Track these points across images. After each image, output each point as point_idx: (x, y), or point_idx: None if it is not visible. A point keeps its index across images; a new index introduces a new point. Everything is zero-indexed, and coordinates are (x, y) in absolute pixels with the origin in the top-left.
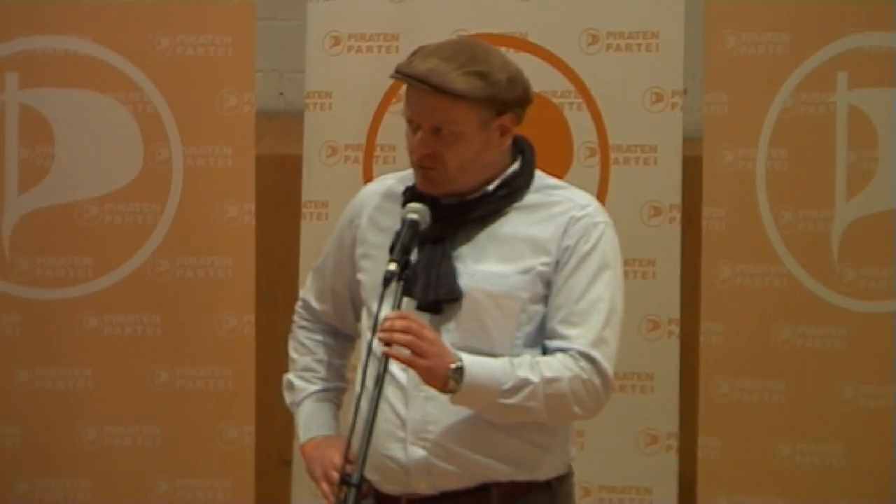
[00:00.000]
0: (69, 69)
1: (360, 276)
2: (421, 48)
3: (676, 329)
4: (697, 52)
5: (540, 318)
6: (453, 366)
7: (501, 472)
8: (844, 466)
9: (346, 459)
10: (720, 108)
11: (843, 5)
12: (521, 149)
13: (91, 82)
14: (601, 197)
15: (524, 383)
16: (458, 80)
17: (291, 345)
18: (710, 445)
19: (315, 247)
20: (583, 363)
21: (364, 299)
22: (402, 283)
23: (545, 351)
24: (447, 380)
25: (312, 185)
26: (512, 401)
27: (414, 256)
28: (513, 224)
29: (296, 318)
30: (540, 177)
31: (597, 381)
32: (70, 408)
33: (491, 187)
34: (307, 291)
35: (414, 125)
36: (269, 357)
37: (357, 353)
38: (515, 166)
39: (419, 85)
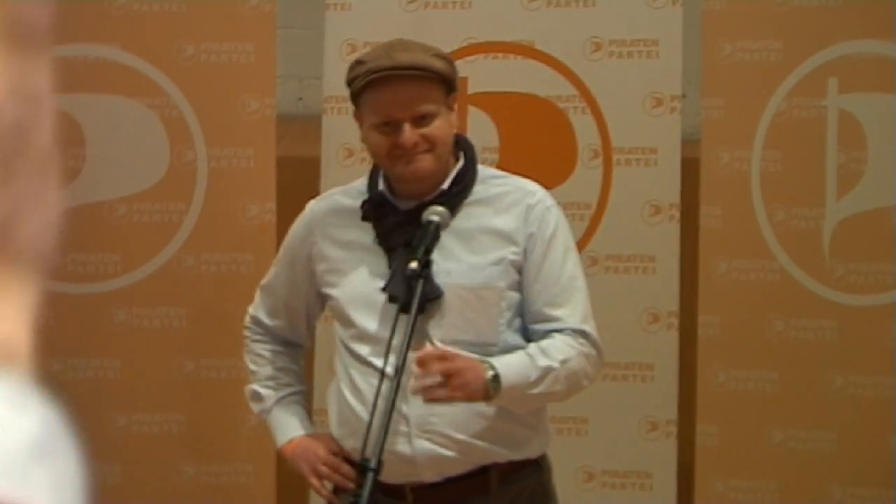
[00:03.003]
0: (99, 75)
1: (330, 290)
2: (362, 59)
3: (675, 321)
4: (695, 58)
5: (516, 303)
6: (489, 374)
7: (501, 453)
8: (835, 452)
9: (334, 452)
10: (717, 112)
11: (834, 14)
12: (463, 146)
13: (120, 88)
14: (604, 196)
15: (547, 371)
16: (434, 61)
17: (249, 358)
18: (708, 432)
19: None
20: (580, 339)
21: (341, 311)
22: (422, 280)
23: (534, 334)
24: (487, 391)
25: (330, 185)
26: (539, 389)
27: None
28: (471, 218)
29: (247, 333)
30: (480, 169)
31: (594, 352)
32: (100, 397)
33: (445, 185)
34: (257, 308)
35: (392, 125)
36: None
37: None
38: (461, 163)
39: (410, 72)
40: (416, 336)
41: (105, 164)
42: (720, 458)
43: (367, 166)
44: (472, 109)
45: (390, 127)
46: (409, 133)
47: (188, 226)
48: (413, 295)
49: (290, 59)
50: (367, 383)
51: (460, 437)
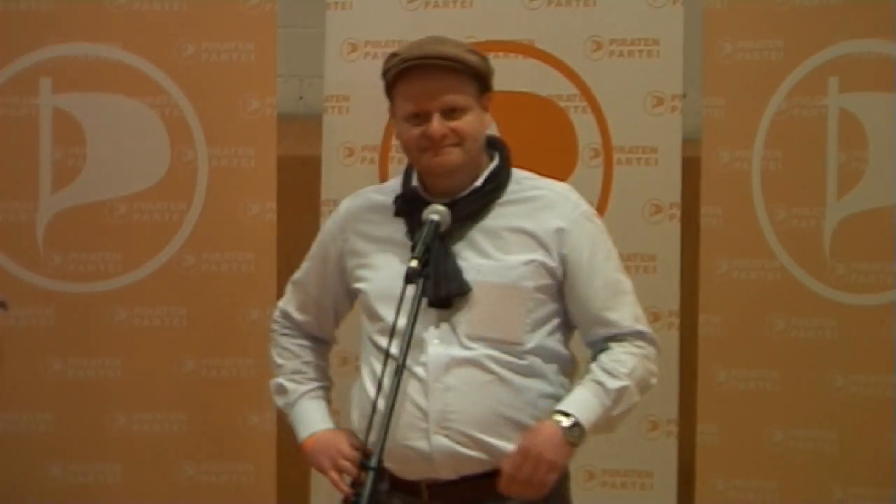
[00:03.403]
0: (100, 74)
1: (360, 285)
2: (396, 52)
3: (676, 320)
4: (696, 58)
5: (549, 307)
6: (567, 425)
7: None
8: (835, 451)
9: (355, 447)
10: (717, 111)
11: (834, 14)
12: (497, 147)
13: (121, 87)
14: (605, 195)
15: (621, 392)
16: (467, 56)
17: (275, 351)
18: (708, 431)
19: None
20: (638, 342)
21: (369, 305)
22: (423, 279)
23: (593, 340)
24: (572, 442)
25: (331, 184)
26: (618, 410)
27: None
28: (502, 218)
29: (275, 327)
30: (514, 170)
31: (653, 350)
32: (101, 395)
33: (479, 183)
34: (287, 303)
35: (422, 116)
36: None
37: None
38: (496, 162)
39: (439, 62)
40: (443, 330)
41: (106, 164)
42: (721, 457)
43: (368, 166)
44: None
45: (420, 118)
46: (437, 124)
47: (189, 225)
48: (441, 289)
49: (291, 58)
50: (390, 379)
51: (479, 435)
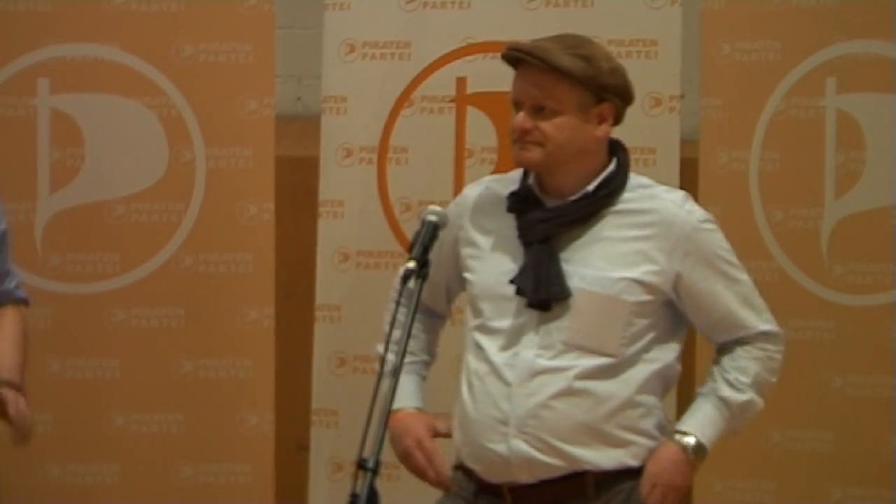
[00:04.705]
0: (98, 75)
1: (468, 275)
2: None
3: None
4: (694, 58)
5: (647, 321)
6: (690, 447)
7: (600, 462)
8: (834, 452)
9: (435, 433)
10: (715, 112)
11: (832, 14)
12: (616, 151)
13: (119, 87)
14: None
15: (745, 405)
16: (563, 58)
17: (386, 318)
18: None
19: (331, 243)
20: (761, 344)
21: (473, 297)
22: (421, 280)
23: (721, 343)
24: (695, 463)
25: (329, 185)
26: (742, 421)
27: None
28: (614, 227)
29: (394, 293)
30: (632, 177)
31: (773, 347)
32: (99, 396)
33: (591, 188)
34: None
35: (518, 106)
36: (288, 348)
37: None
38: (612, 167)
39: (525, 57)
40: (541, 333)
41: (104, 164)
42: (718, 458)
43: (366, 166)
44: (470, 109)
45: (518, 108)
46: (521, 118)
47: (187, 226)
48: (541, 291)
49: (289, 58)
50: (479, 378)
51: (556, 443)
